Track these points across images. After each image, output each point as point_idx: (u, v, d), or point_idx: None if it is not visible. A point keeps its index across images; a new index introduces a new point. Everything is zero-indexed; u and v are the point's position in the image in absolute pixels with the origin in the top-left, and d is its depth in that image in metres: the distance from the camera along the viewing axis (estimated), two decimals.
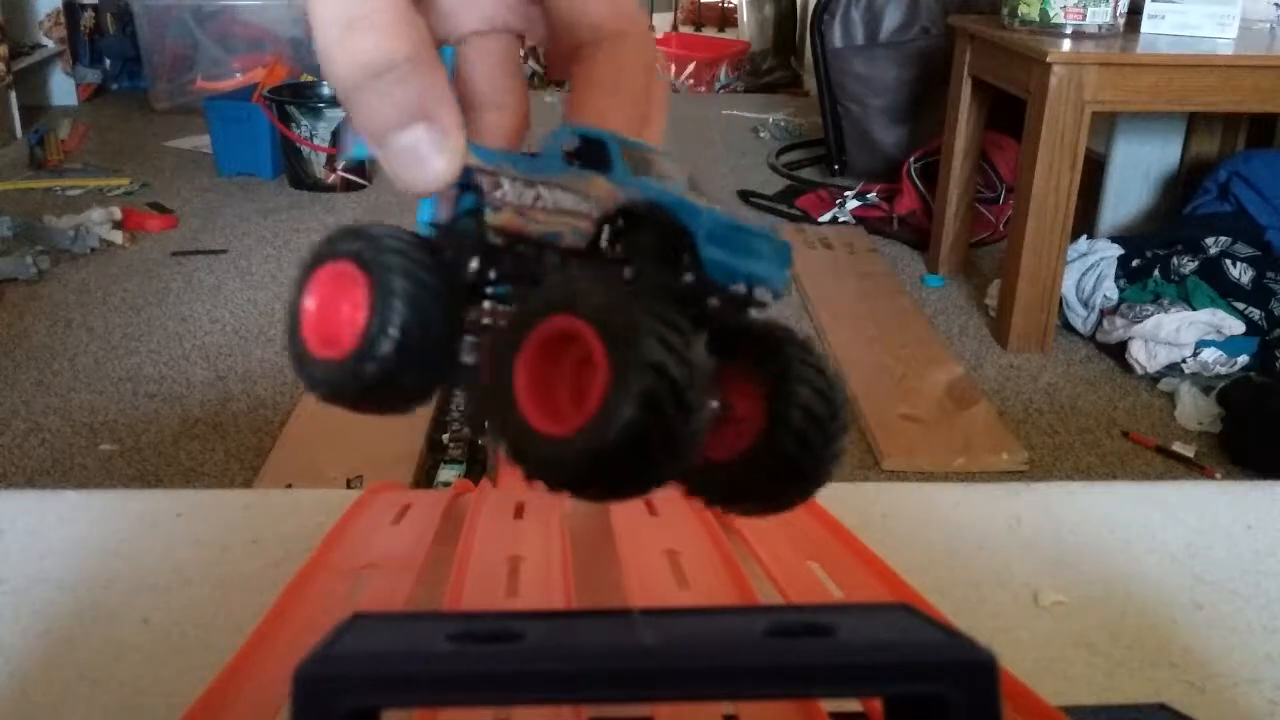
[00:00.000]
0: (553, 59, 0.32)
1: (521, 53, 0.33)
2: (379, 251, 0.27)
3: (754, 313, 0.26)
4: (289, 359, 0.29)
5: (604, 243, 0.26)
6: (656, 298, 0.23)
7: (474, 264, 0.28)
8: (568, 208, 0.27)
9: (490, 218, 0.28)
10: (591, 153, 0.27)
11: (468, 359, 0.28)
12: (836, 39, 3.57)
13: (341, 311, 0.27)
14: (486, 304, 0.28)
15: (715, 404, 0.26)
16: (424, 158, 0.27)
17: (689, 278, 0.25)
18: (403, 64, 0.26)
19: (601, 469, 0.23)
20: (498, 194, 0.28)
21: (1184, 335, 2.35)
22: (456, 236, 0.29)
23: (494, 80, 0.32)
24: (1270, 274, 2.44)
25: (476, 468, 1.92)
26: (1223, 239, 2.52)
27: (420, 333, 0.26)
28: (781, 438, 0.26)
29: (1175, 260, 2.50)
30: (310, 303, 0.28)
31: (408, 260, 0.27)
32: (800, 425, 0.26)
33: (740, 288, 0.25)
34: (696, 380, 0.22)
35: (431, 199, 0.29)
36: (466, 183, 0.28)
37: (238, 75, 4.27)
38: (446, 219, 0.29)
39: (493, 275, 0.28)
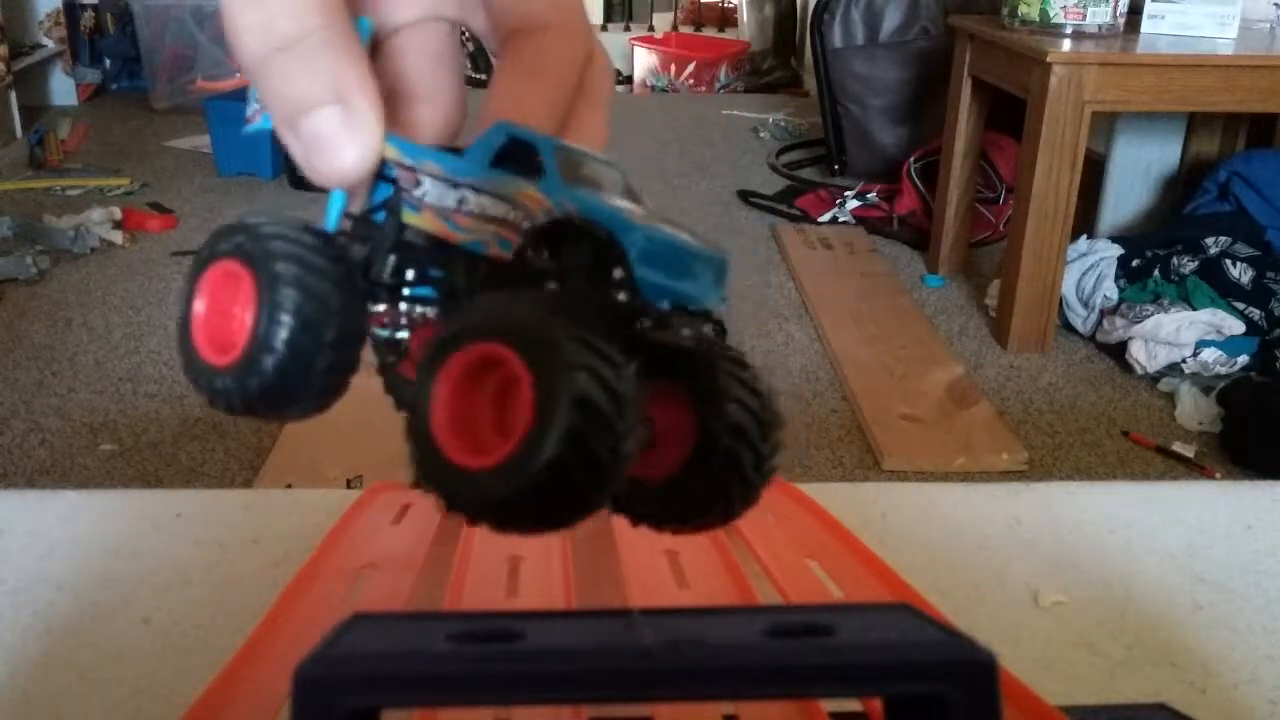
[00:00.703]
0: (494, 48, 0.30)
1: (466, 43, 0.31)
2: (263, 246, 0.25)
3: (685, 329, 0.25)
4: (184, 371, 0.27)
5: (532, 255, 0.24)
6: (587, 323, 0.22)
7: (390, 261, 0.27)
8: (494, 215, 0.25)
9: (408, 217, 0.26)
10: (522, 155, 0.25)
11: (377, 357, 0.27)
12: (836, 39, 3.57)
13: (233, 314, 0.26)
14: (403, 304, 0.27)
15: (643, 427, 0.25)
16: (336, 146, 0.24)
17: (621, 296, 0.23)
18: (315, 35, 0.24)
19: (523, 506, 0.22)
20: (417, 192, 0.26)
21: (1184, 335, 2.35)
22: (371, 229, 0.27)
23: (429, 72, 0.30)
24: (1270, 274, 2.44)
25: None
26: (1223, 239, 2.52)
27: (314, 330, 0.25)
28: (711, 458, 0.25)
29: (1175, 260, 2.50)
30: (200, 307, 0.27)
31: (294, 254, 0.25)
32: (730, 446, 0.25)
33: (670, 307, 0.24)
34: (626, 413, 0.21)
35: (340, 197, 0.27)
36: (386, 175, 0.26)
37: (238, 75, 4.26)
38: (361, 209, 0.27)
39: (410, 275, 0.27)
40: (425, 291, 0.27)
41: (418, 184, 0.26)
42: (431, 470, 0.23)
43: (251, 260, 0.25)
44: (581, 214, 0.24)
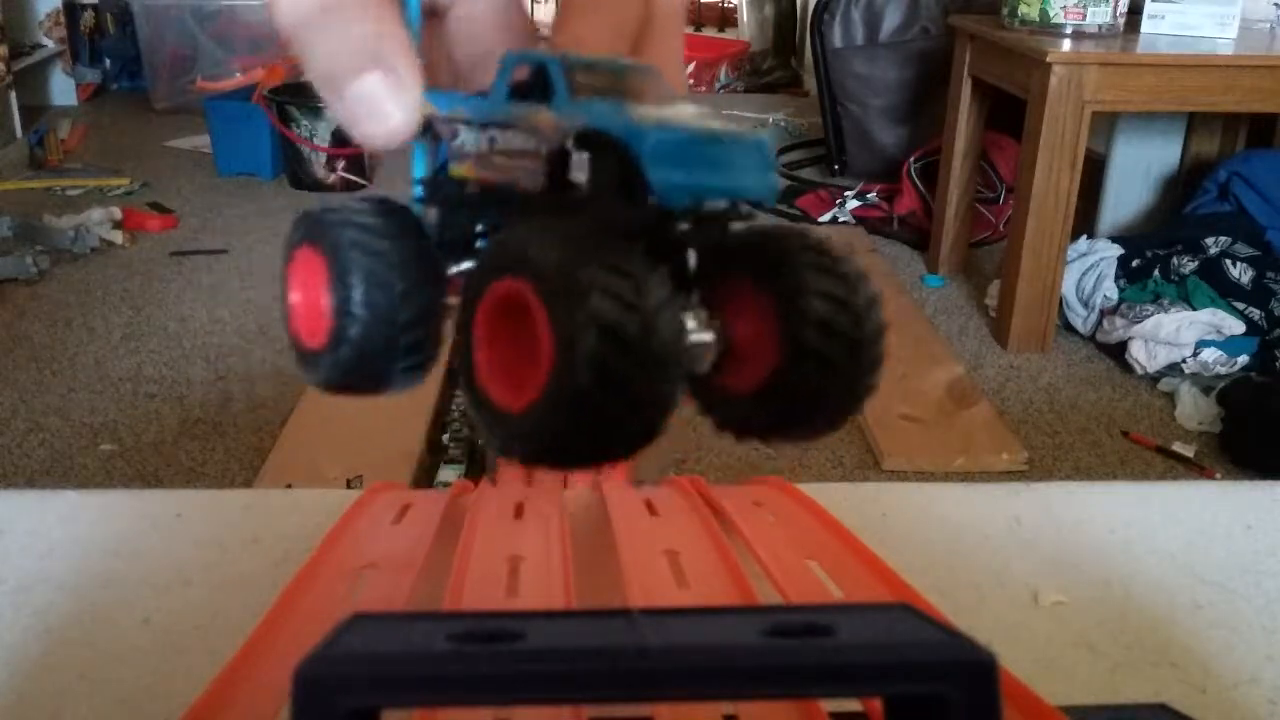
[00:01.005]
0: None
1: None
2: (322, 224, 0.26)
3: (753, 221, 0.23)
4: (298, 366, 0.28)
5: (558, 179, 0.23)
6: (599, 240, 0.21)
7: (455, 217, 0.27)
8: (518, 148, 0.24)
9: (455, 170, 0.26)
10: (543, 81, 0.24)
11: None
12: (836, 39, 3.57)
13: (318, 299, 0.26)
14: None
15: (709, 338, 0.23)
16: (380, 108, 0.25)
17: (651, 202, 0.22)
18: (351, 2, 0.24)
19: (567, 443, 0.21)
20: (456, 144, 0.26)
21: (1184, 335, 2.35)
22: (440, 191, 0.27)
23: (501, 28, 0.30)
24: (1270, 274, 2.44)
25: (476, 468, 1.93)
26: (1223, 239, 2.52)
27: (384, 287, 0.25)
28: (800, 361, 0.22)
29: (1175, 260, 2.50)
30: (293, 297, 0.27)
31: (357, 230, 0.25)
32: (818, 345, 0.22)
33: (718, 203, 0.23)
34: (656, 327, 0.20)
35: (423, 153, 0.27)
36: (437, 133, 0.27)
37: (238, 75, 4.27)
38: (429, 172, 0.27)
39: (479, 228, 0.26)
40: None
41: (455, 135, 0.26)
42: (482, 416, 0.23)
43: (316, 240, 0.26)
44: (589, 126, 0.22)
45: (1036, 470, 2.06)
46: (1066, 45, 2.40)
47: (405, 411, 1.98)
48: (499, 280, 0.22)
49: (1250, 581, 0.47)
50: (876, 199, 3.42)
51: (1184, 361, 2.37)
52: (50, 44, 4.73)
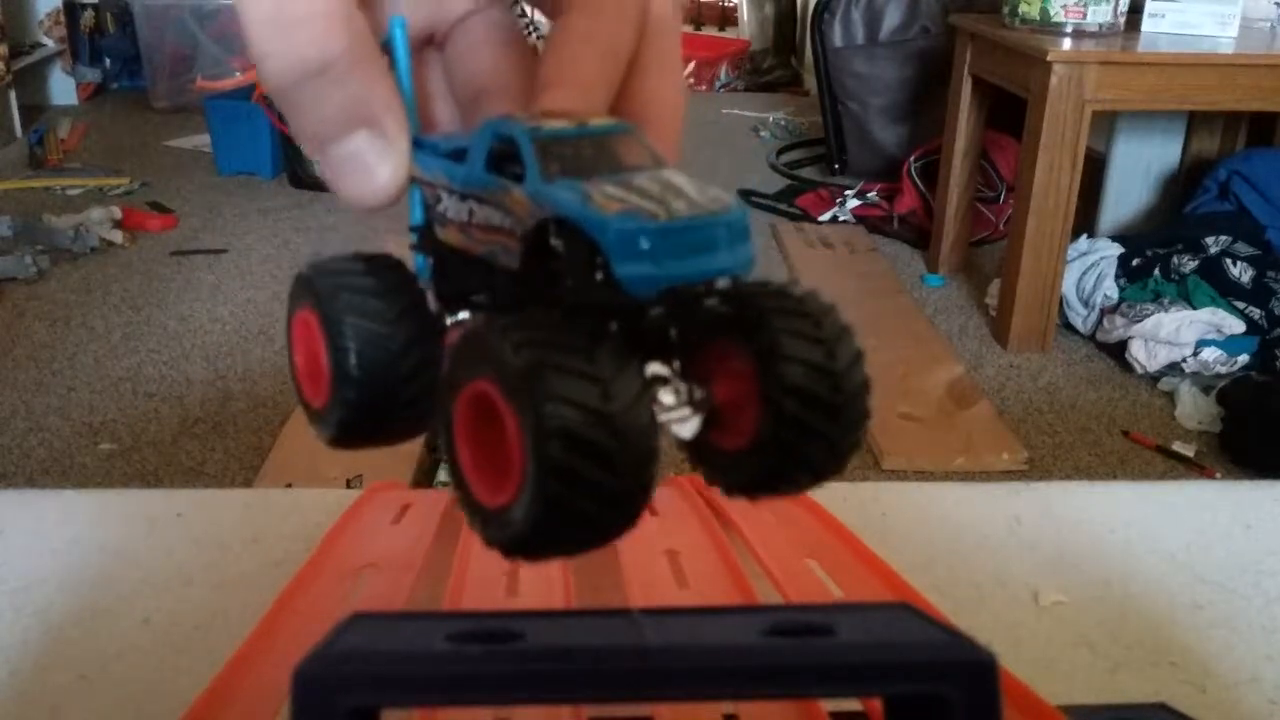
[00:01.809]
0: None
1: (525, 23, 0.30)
2: (320, 291, 0.26)
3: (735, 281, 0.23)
4: (310, 423, 0.28)
5: (533, 265, 0.23)
6: (566, 339, 0.21)
7: (450, 277, 0.26)
8: (495, 224, 0.24)
9: (440, 234, 0.26)
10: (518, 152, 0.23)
11: None
12: (837, 38, 3.57)
13: (317, 361, 0.27)
14: (479, 314, 0.27)
15: (688, 413, 0.24)
16: (367, 168, 0.25)
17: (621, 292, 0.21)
18: (339, 63, 0.24)
19: (544, 541, 0.21)
20: (440, 208, 0.26)
21: (1184, 334, 2.35)
22: (431, 245, 0.27)
23: (501, 60, 0.29)
24: (1270, 273, 2.44)
25: None
26: (1223, 238, 2.52)
27: (384, 359, 0.25)
28: (781, 427, 0.23)
29: (1175, 259, 2.50)
30: (297, 358, 0.28)
31: (349, 293, 0.26)
32: (796, 412, 0.22)
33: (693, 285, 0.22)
34: (628, 427, 0.20)
35: (420, 199, 0.27)
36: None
37: (238, 75, 4.27)
38: (420, 223, 0.27)
39: (470, 286, 0.26)
40: (485, 300, 0.26)
41: (439, 199, 0.26)
42: (465, 506, 0.23)
43: (311, 303, 0.26)
44: (556, 214, 0.22)
45: (1036, 470, 2.06)
46: (1067, 44, 2.40)
47: None
48: (468, 381, 0.22)
49: (1250, 581, 0.47)
50: (877, 198, 3.42)
51: (1184, 361, 2.37)
52: (50, 43, 4.73)
